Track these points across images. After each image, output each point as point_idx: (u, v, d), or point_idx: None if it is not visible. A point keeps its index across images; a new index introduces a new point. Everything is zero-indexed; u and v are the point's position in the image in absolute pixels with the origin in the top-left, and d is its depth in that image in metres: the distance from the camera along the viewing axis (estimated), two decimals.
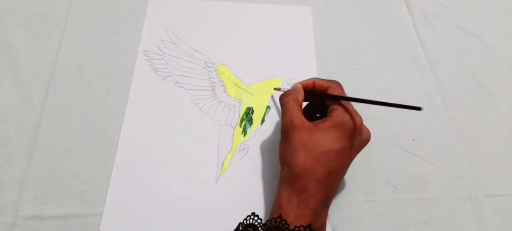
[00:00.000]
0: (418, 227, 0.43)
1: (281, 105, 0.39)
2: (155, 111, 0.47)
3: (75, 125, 0.46)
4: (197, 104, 0.48)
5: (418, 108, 0.32)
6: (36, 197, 0.41)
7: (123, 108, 0.47)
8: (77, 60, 0.50)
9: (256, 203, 0.42)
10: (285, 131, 0.37)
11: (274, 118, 0.48)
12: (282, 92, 0.41)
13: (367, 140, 0.38)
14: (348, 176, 0.45)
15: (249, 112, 0.48)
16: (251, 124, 0.47)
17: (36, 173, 0.43)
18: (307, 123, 0.36)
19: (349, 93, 0.50)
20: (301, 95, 0.39)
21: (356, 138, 0.36)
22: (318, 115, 0.42)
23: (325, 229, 0.36)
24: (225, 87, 0.50)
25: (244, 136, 0.46)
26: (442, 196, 0.45)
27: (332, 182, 0.36)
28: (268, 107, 0.49)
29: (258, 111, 0.48)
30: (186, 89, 0.49)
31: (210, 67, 0.51)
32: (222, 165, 0.44)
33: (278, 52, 0.53)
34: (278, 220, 0.33)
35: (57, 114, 0.46)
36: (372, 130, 0.48)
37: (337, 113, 0.36)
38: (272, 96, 0.49)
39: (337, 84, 0.39)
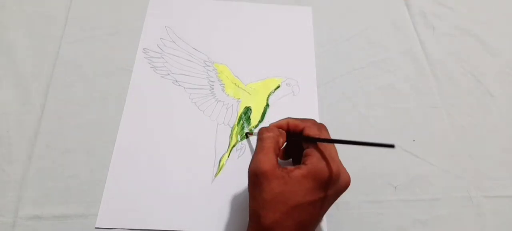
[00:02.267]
0: (418, 227, 0.42)
1: (259, 139, 0.35)
2: (153, 109, 0.47)
3: (75, 125, 0.46)
4: (195, 103, 0.48)
5: (391, 146, 0.28)
6: (36, 197, 0.41)
7: (123, 108, 0.47)
8: (77, 60, 0.51)
9: None
10: (254, 176, 0.33)
11: (272, 118, 0.48)
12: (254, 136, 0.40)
13: (346, 186, 0.34)
14: None
15: (247, 112, 0.48)
16: (249, 123, 0.47)
17: (36, 173, 0.43)
18: (278, 170, 0.32)
19: (348, 94, 0.51)
20: (282, 138, 0.36)
21: (332, 187, 0.33)
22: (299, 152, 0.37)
23: None
24: (223, 87, 0.50)
25: (241, 135, 0.46)
26: (442, 196, 0.44)
27: None
28: (266, 106, 0.49)
29: (256, 111, 0.48)
30: (184, 88, 0.49)
31: (209, 66, 0.51)
32: (219, 164, 0.44)
33: (277, 52, 0.53)
34: None
35: (57, 114, 0.46)
36: (373, 130, 0.48)
37: (312, 160, 0.33)
38: (270, 96, 0.49)
39: (314, 123, 0.36)
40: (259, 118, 0.48)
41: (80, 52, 0.51)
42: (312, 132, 0.35)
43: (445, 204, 0.44)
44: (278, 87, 0.50)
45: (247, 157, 0.45)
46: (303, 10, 0.58)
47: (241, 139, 0.46)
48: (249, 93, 0.49)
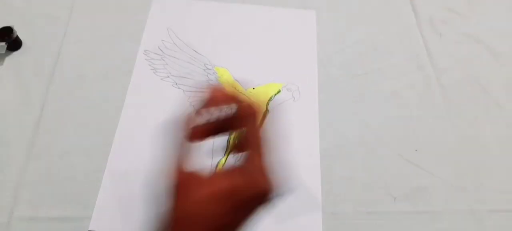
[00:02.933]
0: None
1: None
2: (151, 111, 0.47)
3: (73, 126, 0.46)
4: (194, 106, 0.48)
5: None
6: (32, 198, 0.41)
7: (122, 110, 0.47)
8: (78, 61, 0.50)
9: None
10: None
11: (271, 123, 0.47)
12: None
13: (261, 193, 0.26)
14: (347, 186, 0.44)
15: None
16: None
17: (32, 174, 0.43)
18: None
19: (350, 101, 0.50)
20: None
21: (236, 198, 0.26)
22: None
23: None
24: None
25: (239, 140, 0.46)
26: (443, 209, 0.43)
27: None
28: (266, 112, 0.48)
29: None
30: (183, 91, 0.49)
31: (209, 69, 0.51)
32: (215, 169, 0.43)
33: (279, 56, 0.53)
34: None
35: (56, 115, 0.46)
36: (374, 138, 0.47)
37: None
38: (270, 101, 0.49)
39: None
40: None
41: (81, 53, 0.51)
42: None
43: (446, 217, 0.43)
44: (278, 92, 0.49)
45: None
46: (307, 14, 0.57)
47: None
48: (249, 97, 0.49)
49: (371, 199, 0.43)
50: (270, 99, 0.49)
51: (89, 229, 0.39)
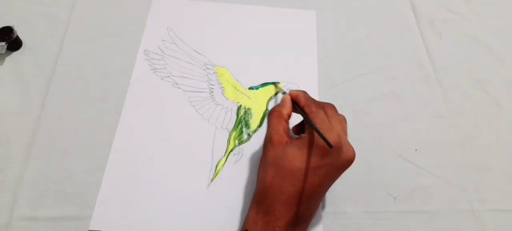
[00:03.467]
0: None
1: (267, 118, 0.39)
2: (151, 112, 0.47)
3: (73, 126, 0.46)
4: (194, 106, 0.48)
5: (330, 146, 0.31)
6: (32, 197, 0.41)
7: (122, 110, 0.47)
8: (78, 61, 0.50)
9: (247, 209, 0.41)
10: (264, 146, 0.37)
11: None
12: (282, 92, 0.43)
13: (348, 160, 0.34)
14: (347, 186, 0.44)
15: (246, 116, 0.47)
16: (247, 128, 0.47)
17: (32, 173, 0.42)
18: (285, 138, 0.35)
19: (350, 101, 0.50)
20: (286, 109, 0.38)
21: (331, 156, 0.33)
22: None
23: None
24: (223, 90, 0.49)
25: (239, 140, 0.46)
26: (443, 209, 0.43)
27: (302, 204, 0.33)
28: (266, 111, 0.48)
29: (255, 115, 0.47)
30: (184, 91, 0.49)
31: (209, 69, 0.51)
32: (215, 169, 0.43)
33: (279, 56, 0.53)
34: None
35: (56, 115, 0.46)
36: (374, 138, 0.47)
37: (311, 130, 0.34)
38: (270, 101, 0.49)
39: (313, 102, 0.38)
40: (258, 122, 0.47)
41: (81, 53, 0.51)
42: (308, 109, 0.36)
43: (446, 217, 0.43)
44: (278, 92, 0.49)
45: (245, 162, 0.44)
46: (306, 14, 0.57)
47: (239, 144, 0.45)
48: (248, 97, 0.49)
49: (371, 199, 0.43)
50: (270, 98, 0.49)
51: (89, 229, 0.39)
